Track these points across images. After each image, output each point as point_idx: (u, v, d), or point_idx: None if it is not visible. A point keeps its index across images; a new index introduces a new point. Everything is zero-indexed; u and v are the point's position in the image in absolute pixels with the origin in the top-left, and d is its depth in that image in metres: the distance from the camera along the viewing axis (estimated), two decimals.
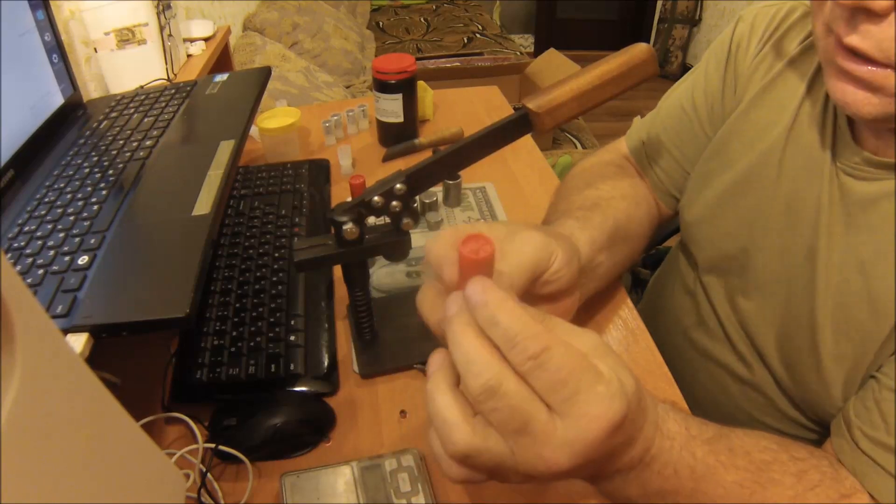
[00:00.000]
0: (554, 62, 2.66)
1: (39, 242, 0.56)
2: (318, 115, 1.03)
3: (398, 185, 0.47)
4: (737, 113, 0.62)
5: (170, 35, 1.16)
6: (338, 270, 0.57)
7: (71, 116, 0.82)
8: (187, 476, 0.48)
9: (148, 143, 0.72)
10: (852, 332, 0.49)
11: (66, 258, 0.53)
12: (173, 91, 0.86)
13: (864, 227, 0.49)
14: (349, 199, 0.66)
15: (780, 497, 0.41)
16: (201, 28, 1.40)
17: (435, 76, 2.49)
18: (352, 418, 0.54)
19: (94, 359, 0.44)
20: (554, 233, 0.46)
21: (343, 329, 0.63)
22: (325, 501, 0.46)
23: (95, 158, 0.70)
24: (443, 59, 2.69)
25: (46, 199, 0.63)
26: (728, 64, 0.64)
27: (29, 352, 0.24)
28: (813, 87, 0.55)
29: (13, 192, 0.65)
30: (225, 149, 0.67)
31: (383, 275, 0.70)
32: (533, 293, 0.44)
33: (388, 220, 0.49)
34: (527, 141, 0.96)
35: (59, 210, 0.60)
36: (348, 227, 0.48)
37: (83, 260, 0.52)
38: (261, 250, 0.68)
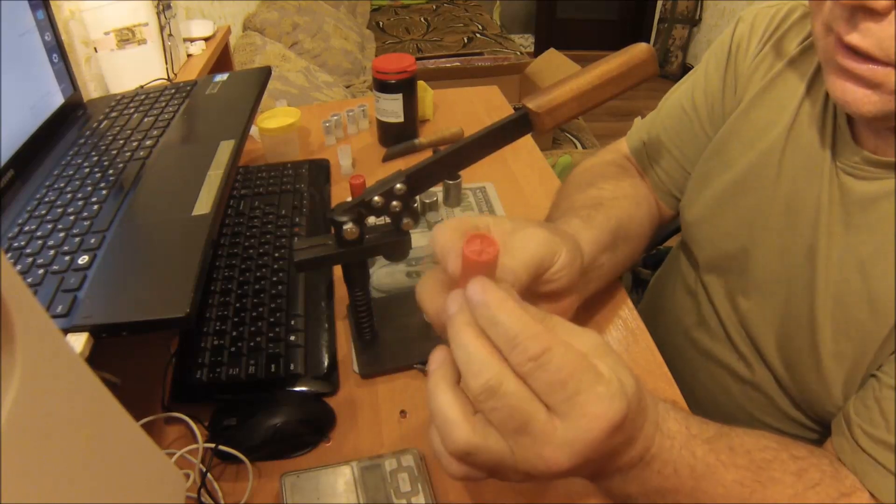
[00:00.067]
0: (554, 62, 2.66)
1: (39, 242, 0.56)
2: (318, 115, 1.03)
3: (398, 185, 0.47)
4: (737, 113, 0.62)
5: (170, 35, 1.16)
6: (338, 270, 0.57)
7: (71, 116, 0.82)
8: (187, 476, 0.48)
9: (148, 142, 0.72)
10: (852, 331, 0.49)
11: (67, 258, 0.53)
12: (173, 91, 0.86)
13: (863, 226, 0.49)
14: (349, 199, 0.66)
15: (780, 495, 0.41)
16: (201, 28, 1.40)
17: (435, 76, 2.49)
18: (352, 418, 0.54)
19: (94, 359, 0.43)
20: (559, 231, 0.46)
21: (343, 329, 0.63)
22: (325, 501, 0.46)
23: (95, 158, 0.70)
24: (443, 59, 2.69)
25: (46, 199, 0.63)
26: (728, 64, 0.64)
27: (29, 352, 0.24)
28: (813, 87, 0.55)
29: (13, 191, 0.65)
30: (225, 149, 0.67)
31: (383, 275, 0.70)
32: (534, 291, 0.44)
33: (388, 220, 0.49)
34: (527, 141, 0.96)
35: (60, 210, 0.60)
36: (348, 227, 0.48)
37: (83, 260, 0.52)
38: (261, 250, 0.68)
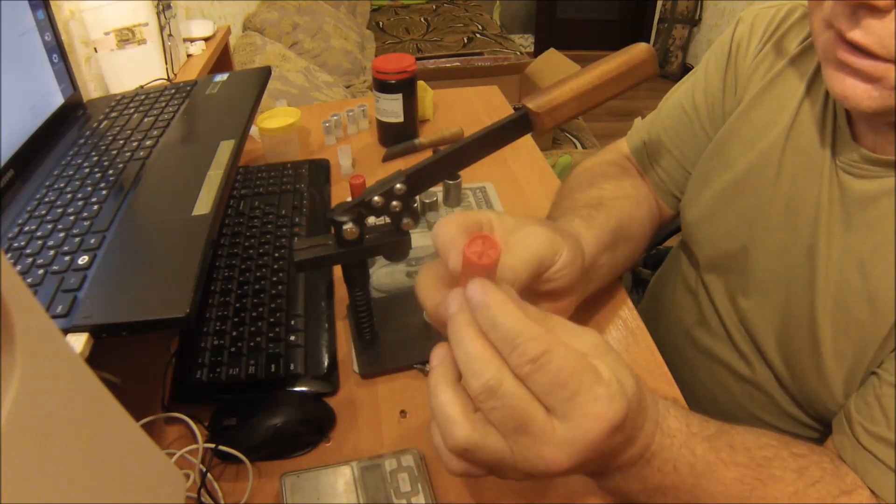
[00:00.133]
0: (554, 62, 2.66)
1: (39, 242, 0.56)
2: (318, 115, 1.03)
3: (398, 185, 0.47)
4: (737, 113, 0.62)
5: (170, 35, 1.16)
6: (338, 270, 0.57)
7: (71, 116, 0.82)
8: (187, 476, 0.48)
9: (148, 142, 0.72)
10: (852, 330, 0.49)
11: (66, 258, 0.53)
12: (173, 91, 0.86)
13: (863, 225, 0.49)
14: (349, 199, 0.66)
15: (780, 493, 0.41)
16: (201, 28, 1.40)
17: (435, 76, 2.49)
18: (352, 418, 0.54)
19: (94, 359, 0.43)
20: (561, 230, 0.46)
21: (343, 329, 0.63)
22: (325, 501, 0.46)
23: (95, 158, 0.70)
24: (443, 59, 2.69)
25: (46, 199, 0.63)
26: (728, 65, 0.64)
27: (29, 352, 0.24)
28: (812, 87, 0.55)
29: (13, 191, 0.65)
30: (225, 149, 0.67)
31: (383, 275, 0.70)
32: (534, 290, 0.44)
33: (388, 220, 0.49)
34: (527, 141, 0.96)
35: (59, 210, 0.60)
36: (348, 227, 0.48)
37: (83, 260, 0.52)
38: (261, 250, 0.68)
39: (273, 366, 0.55)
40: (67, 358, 0.28)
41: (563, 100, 0.50)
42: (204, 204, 0.58)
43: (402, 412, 0.55)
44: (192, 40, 1.35)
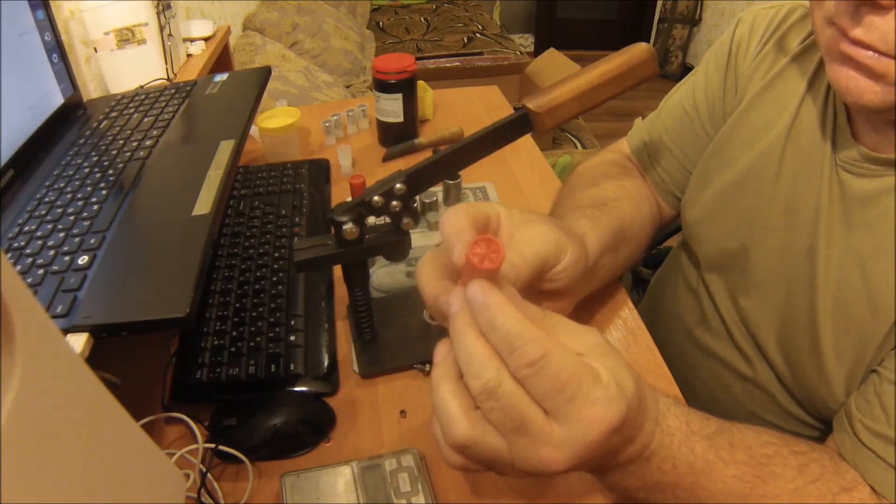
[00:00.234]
0: (554, 62, 2.66)
1: (39, 242, 0.56)
2: (318, 115, 1.03)
3: (398, 185, 0.47)
4: (737, 112, 0.62)
5: (170, 35, 1.16)
6: (338, 270, 0.57)
7: (71, 116, 0.82)
8: (187, 476, 0.48)
9: (148, 142, 0.72)
10: (852, 328, 0.50)
11: (66, 258, 0.53)
12: (173, 91, 0.86)
13: (863, 223, 0.49)
14: (349, 199, 0.66)
15: (780, 490, 0.41)
16: (201, 28, 1.40)
17: (435, 76, 2.49)
18: (352, 418, 0.54)
19: (94, 359, 0.43)
20: (569, 230, 0.46)
21: (343, 329, 0.63)
22: (325, 501, 0.46)
23: (95, 158, 0.70)
24: (443, 59, 2.69)
25: (46, 199, 0.63)
26: (728, 65, 0.64)
27: (29, 352, 0.24)
28: (813, 86, 0.55)
29: (13, 191, 0.65)
30: (225, 149, 0.67)
31: (383, 275, 0.70)
32: (534, 288, 0.44)
33: (388, 220, 0.49)
34: (527, 141, 0.96)
35: (59, 210, 0.60)
36: (348, 227, 0.48)
37: (83, 260, 0.52)
38: (261, 250, 0.68)
39: (273, 366, 0.55)
40: (67, 358, 0.28)
41: (563, 100, 0.50)
42: (204, 204, 0.58)
43: (402, 412, 0.55)
44: (192, 40, 1.35)
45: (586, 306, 0.64)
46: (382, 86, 0.90)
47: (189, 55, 1.32)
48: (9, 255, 0.55)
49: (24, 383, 0.23)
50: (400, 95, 0.90)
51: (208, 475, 0.49)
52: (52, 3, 0.79)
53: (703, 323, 0.68)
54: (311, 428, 0.52)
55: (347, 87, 2.08)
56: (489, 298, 0.32)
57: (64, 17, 1.06)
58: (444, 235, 0.36)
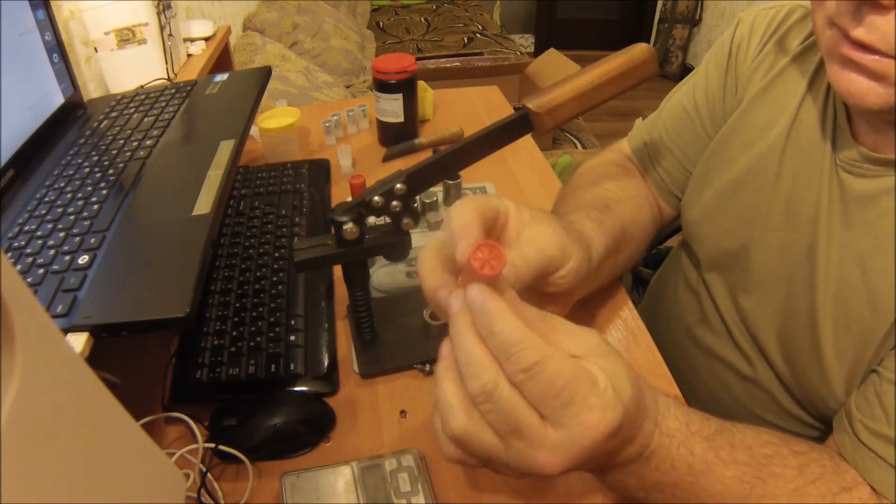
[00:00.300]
0: (554, 62, 2.66)
1: (39, 242, 0.56)
2: (318, 115, 1.03)
3: (398, 185, 0.47)
4: (737, 113, 0.62)
5: (170, 35, 1.16)
6: (338, 270, 0.57)
7: (71, 116, 0.82)
8: (187, 476, 0.48)
9: (148, 142, 0.72)
10: (852, 328, 0.50)
11: (67, 258, 0.53)
12: (173, 91, 0.86)
13: (862, 223, 0.50)
14: (349, 199, 0.66)
15: (780, 490, 0.41)
16: (201, 28, 1.40)
17: (435, 76, 2.49)
18: (352, 418, 0.54)
19: (94, 359, 0.43)
20: (575, 234, 0.46)
21: (343, 329, 0.63)
22: (325, 501, 0.46)
23: (95, 158, 0.70)
24: (443, 59, 2.69)
25: (47, 199, 0.63)
26: (729, 66, 0.64)
27: (29, 352, 0.24)
28: (813, 86, 0.56)
29: (13, 191, 0.65)
30: (225, 149, 0.67)
31: (383, 275, 0.70)
32: (534, 288, 0.44)
33: (388, 220, 0.49)
34: (527, 141, 0.96)
35: (60, 210, 0.60)
36: (348, 227, 0.48)
37: (83, 259, 0.52)
38: (261, 250, 0.68)
39: (273, 366, 0.55)
40: (67, 358, 0.28)
41: (563, 100, 0.50)
42: (204, 204, 0.58)
43: (402, 412, 0.55)
44: (192, 40, 1.35)
45: (586, 306, 0.64)
46: (382, 86, 0.90)
47: (189, 55, 1.32)
48: (9, 254, 0.55)
49: (24, 383, 0.23)
50: (400, 95, 0.90)
51: (208, 475, 0.49)
52: (52, 2, 0.79)
53: (704, 322, 0.68)
54: (311, 428, 0.52)
55: (347, 87, 2.08)
56: (488, 304, 0.32)
57: (64, 16, 1.06)
58: (450, 228, 0.36)
